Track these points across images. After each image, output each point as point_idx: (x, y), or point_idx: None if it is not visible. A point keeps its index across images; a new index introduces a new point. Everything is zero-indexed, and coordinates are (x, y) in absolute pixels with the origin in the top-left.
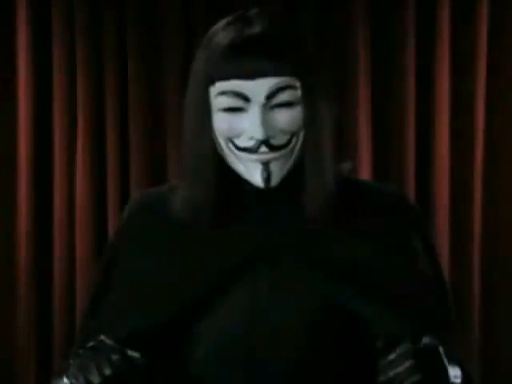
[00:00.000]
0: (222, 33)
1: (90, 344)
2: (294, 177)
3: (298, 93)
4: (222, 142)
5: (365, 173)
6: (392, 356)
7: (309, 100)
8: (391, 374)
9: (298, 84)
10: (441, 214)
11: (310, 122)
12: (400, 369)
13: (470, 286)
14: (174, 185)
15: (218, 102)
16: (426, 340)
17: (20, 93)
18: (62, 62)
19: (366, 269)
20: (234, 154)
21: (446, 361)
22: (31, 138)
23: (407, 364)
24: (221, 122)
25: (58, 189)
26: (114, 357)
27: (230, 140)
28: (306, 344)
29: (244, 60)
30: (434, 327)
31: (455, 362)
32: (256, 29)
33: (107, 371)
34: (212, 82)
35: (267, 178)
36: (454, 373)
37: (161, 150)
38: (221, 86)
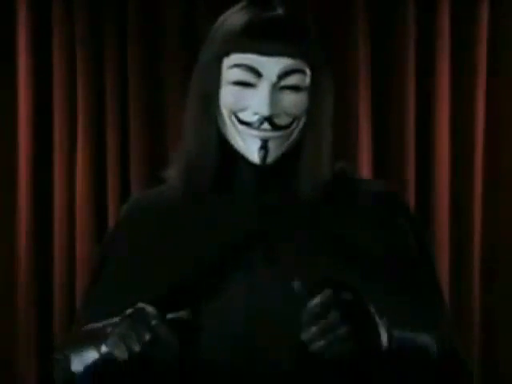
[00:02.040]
0: (238, 13)
1: (128, 311)
2: (290, 162)
3: (307, 79)
4: (225, 114)
5: (365, 173)
6: (314, 307)
7: (316, 86)
8: (315, 330)
9: (307, 70)
10: (441, 214)
11: (314, 107)
12: (324, 323)
13: (470, 285)
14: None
15: (230, 74)
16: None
17: (20, 93)
18: (62, 62)
19: (366, 255)
20: (236, 127)
21: (374, 314)
22: (31, 137)
23: (332, 316)
24: (228, 95)
25: (58, 189)
26: (154, 322)
27: (234, 113)
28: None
29: (263, 37)
30: (428, 313)
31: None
32: (276, 12)
33: (147, 337)
34: (227, 53)
35: (264, 156)
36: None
37: (161, 151)
38: (236, 58)
